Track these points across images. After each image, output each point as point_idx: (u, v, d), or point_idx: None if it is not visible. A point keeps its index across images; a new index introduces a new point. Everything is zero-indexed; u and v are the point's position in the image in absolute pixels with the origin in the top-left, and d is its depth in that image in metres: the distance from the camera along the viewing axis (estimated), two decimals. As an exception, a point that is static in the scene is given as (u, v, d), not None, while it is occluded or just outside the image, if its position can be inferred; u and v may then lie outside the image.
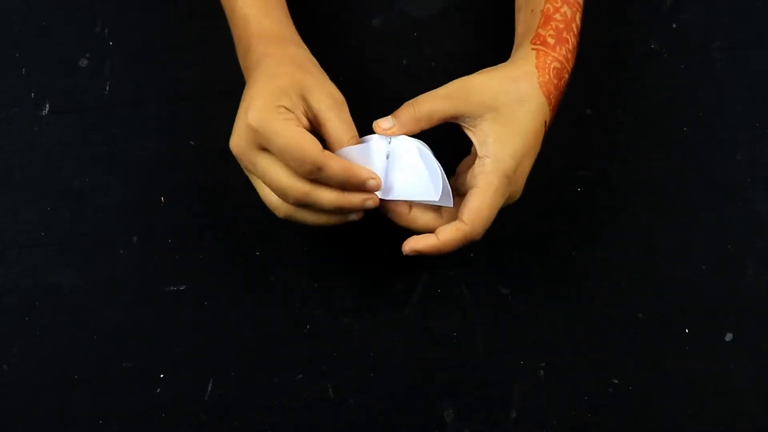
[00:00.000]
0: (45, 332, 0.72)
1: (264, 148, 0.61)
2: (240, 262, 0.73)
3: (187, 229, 0.74)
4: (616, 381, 0.71)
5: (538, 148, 0.66)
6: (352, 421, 0.70)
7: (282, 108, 0.61)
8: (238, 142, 0.62)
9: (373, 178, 0.62)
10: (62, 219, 0.74)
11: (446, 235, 0.63)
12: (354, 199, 0.62)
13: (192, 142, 0.76)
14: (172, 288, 0.73)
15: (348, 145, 0.63)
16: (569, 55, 0.67)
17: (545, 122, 0.66)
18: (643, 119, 0.77)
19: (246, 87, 0.64)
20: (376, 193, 0.63)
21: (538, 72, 0.65)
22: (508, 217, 0.73)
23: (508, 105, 0.64)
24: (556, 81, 0.66)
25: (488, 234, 0.73)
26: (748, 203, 0.75)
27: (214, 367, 0.71)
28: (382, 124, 0.64)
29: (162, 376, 0.71)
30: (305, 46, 0.68)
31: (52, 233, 0.74)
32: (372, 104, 0.76)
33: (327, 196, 0.62)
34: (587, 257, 0.73)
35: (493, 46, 0.73)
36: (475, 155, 0.65)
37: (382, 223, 0.72)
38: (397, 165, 0.64)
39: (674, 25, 0.80)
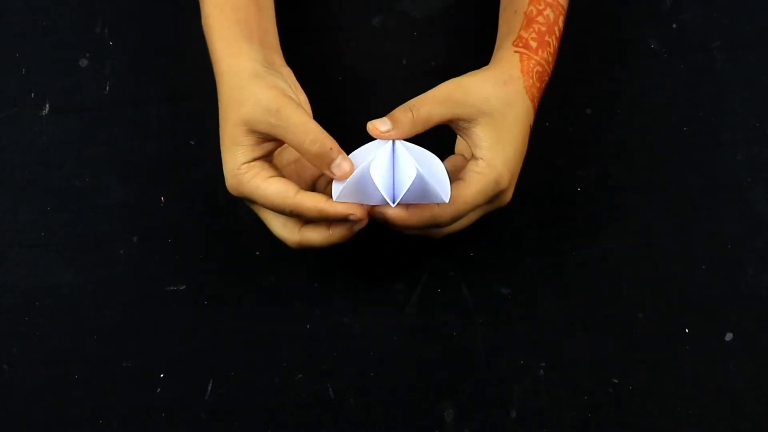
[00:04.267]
0: (45, 332, 0.72)
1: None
2: (240, 262, 0.73)
3: (187, 229, 0.74)
4: (616, 381, 0.71)
5: (524, 153, 0.67)
6: (352, 421, 0.70)
7: (244, 166, 0.63)
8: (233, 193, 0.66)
9: (352, 213, 0.62)
10: (62, 219, 0.74)
11: (415, 210, 0.63)
12: (341, 232, 0.64)
13: (192, 142, 0.76)
14: (172, 288, 0.73)
15: (311, 144, 0.62)
16: (550, 59, 0.68)
17: (530, 125, 0.67)
18: (643, 119, 0.77)
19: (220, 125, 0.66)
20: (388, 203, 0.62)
21: (523, 76, 0.66)
22: (508, 217, 0.73)
23: (500, 110, 0.64)
24: (538, 84, 0.67)
25: (488, 234, 0.74)
26: (748, 203, 0.75)
27: (214, 367, 0.71)
28: (380, 126, 0.62)
29: (162, 376, 0.71)
30: (246, 55, 0.66)
31: (52, 233, 0.74)
32: (372, 104, 0.76)
33: (317, 239, 0.64)
34: (587, 257, 0.73)
35: (492, 46, 0.72)
36: (460, 154, 0.68)
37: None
38: (401, 171, 0.62)
39: (674, 25, 0.80)
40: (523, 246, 0.74)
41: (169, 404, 0.70)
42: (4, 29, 0.79)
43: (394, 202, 0.62)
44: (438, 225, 0.64)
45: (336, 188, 0.63)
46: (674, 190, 0.75)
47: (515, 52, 0.67)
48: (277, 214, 0.65)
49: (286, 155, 0.68)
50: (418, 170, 0.59)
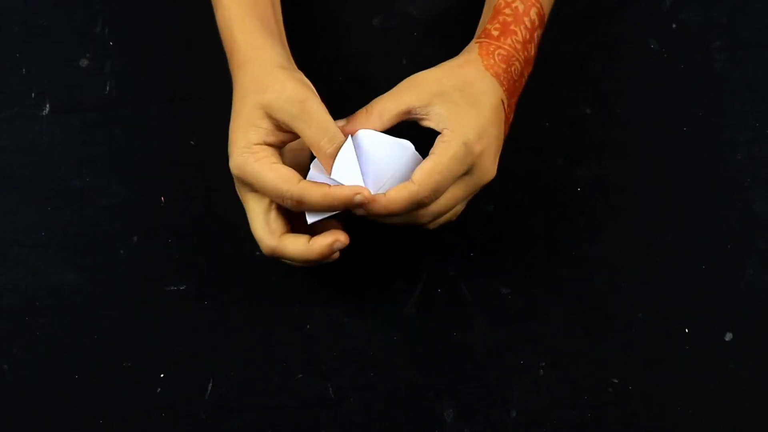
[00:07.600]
0: (45, 332, 0.72)
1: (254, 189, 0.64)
2: (240, 262, 0.73)
3: (187, 229, 0.74)
4: (616, 381, 0.71)
5: (500, 125, 0.66)
6: (352, 421, 0.70)
7: (255, 146, 0.63)
8: (235, 182, 0.66)
9: (358, 193, 0.62)
10: (62, 219, 0.74)
11: (393, 192, 0.63)
12: (321, 249, 0.64)
13: (192, 142, 0.76)
14: (172, 288, 0.73)
15: (328, 143, 0.63)
16: (518, 46, 0.68)
17: (502, 101, 0.66)
18: (643, 119, 0.77)
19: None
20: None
21: (482, 57, 0.66)
22: (508, 217, 0.73)
23: (456, 87, 0.65)
24: (504, 65, 0.66)
25: (488, 234, 0.74)
26: (748, 203, 0.75)
27: (214, 367, 0.71)
28: (338, 122, 0.65)
29: (162, 376, 0.71)
30: (271, 48, 0.67)
31: (52, 233, 0.74)
32: (372, 104, 0.76)
33: (293, 249, 0.64)
34: (587, 257, 0.73)
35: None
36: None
37: (382, 223, 0.72)
38: (368, 160, 0.64)
39: (674, 25, 0.80)
40: (523, 246, 0.74)
41: (169, 404, 0.70)
42: (4, 29, 0.79)
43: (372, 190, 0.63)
44: (420, 204, 0.63)
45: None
46: (674, 190, 0.75)
47: (476, 42, 0.68)
48: (262, 213, 0.65)
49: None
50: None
